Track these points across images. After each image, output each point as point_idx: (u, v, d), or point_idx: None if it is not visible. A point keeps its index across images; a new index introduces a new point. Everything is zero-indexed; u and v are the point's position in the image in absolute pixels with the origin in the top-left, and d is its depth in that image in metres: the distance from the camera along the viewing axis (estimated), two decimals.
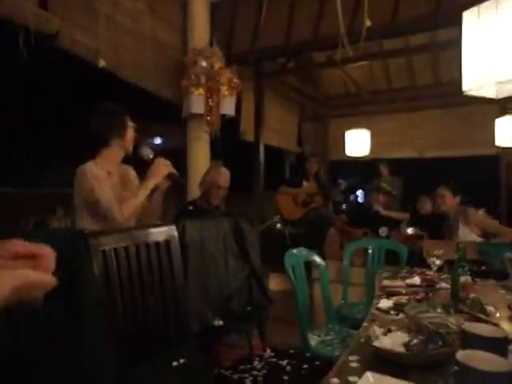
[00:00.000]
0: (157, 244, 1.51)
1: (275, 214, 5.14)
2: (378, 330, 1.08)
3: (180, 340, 1.52)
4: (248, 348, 1.85)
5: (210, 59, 3.60)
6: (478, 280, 1.90)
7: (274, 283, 4.20)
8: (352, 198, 9.06)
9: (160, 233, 1.55)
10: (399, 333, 1.05)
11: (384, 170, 5.77)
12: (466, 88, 1.63)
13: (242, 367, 1.72)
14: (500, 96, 1.70)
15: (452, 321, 1.18)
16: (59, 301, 1.14)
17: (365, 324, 1.28)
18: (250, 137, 5.24)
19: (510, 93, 1.65)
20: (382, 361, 0.99)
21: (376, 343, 1.01)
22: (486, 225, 2.86)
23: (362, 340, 1.11)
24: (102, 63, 2.85)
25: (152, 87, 3.59)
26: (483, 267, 2.05)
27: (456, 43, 4.67)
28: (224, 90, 3.59)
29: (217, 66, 3.64)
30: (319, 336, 2.18)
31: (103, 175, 1.79)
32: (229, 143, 4.38)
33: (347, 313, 2.67)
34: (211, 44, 3.76)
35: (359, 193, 6.77)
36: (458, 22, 4.06)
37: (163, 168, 1.81)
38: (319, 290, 2.77)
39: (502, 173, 5.54)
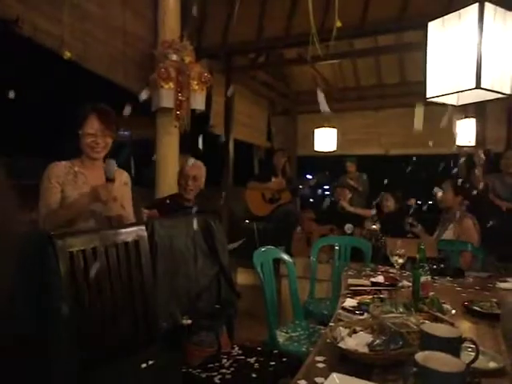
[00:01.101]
0: (126, 244, 1.49)
1: (244, 209, 5.17)
2: (343, 330, 1.12)
3: (149, 341, 1.52)
4: (216, 346, 1.86)
5: (181, 53, 3.55)
6: (436, 278, 2.00)
7: (242, 278, 4.24)
8: (320, 193, 9.23)
9: (129, 233, 1.53)
10: (363, 333, 1.10)
11: (351, 166, 5.90)
12: (429, 95, 1.70)
13: (210, 365, 1.74)
14: (460, 103, 1.78)
15: (412, 320, 1.25)
16: (26, 305, 1.13)
17: (331, 324, 1.32)
18: (219, 131, 5.22)
19: (469, 101, 1.73)
20: (347, 361, 1.03)
21: (341, 344, 1.06)
22: (468, 237, 2.89)
23: (328, 340, 1.15)
24: (67, 55, 2.76)
25: (120, 79, 3.51)
26: (442, 265, 2.14)
27: (420, 45, 4.84)
28: (194, 84, 3.56)
29: (187, 59, 3.59)
30: (286, 332, 2.23)
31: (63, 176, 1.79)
32: (198, 137, 4.35)
33: (314, 308, 2.74)
34: (182, 38, 3.70)
35: (327, 188, 6.87)
36: (422, 26, 4.21)
37: (100, 195, 1.69)
38: (286, 286, 2.83)
39: (461, 171, 5.80)
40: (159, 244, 1.85)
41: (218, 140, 5.17)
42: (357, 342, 1.06)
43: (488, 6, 1.52)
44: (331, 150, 5.94)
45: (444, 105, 1.95)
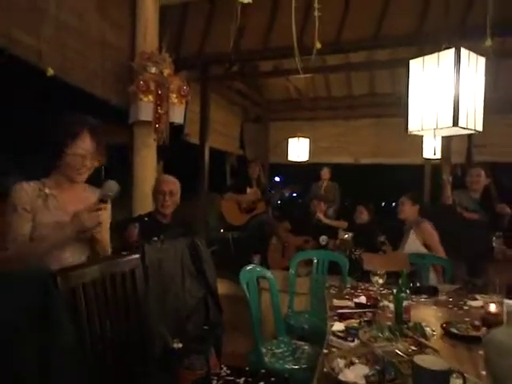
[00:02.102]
0: (123, 274, 1.51)
1: (218, 218, 5.21)
2: (340, 362, 1.20)
3: (144, 367, 1.55)
4: (206, 368, 1.90)
5: (160, 65, 3.54)
6: (413, 296, 2.13)
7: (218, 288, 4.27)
8: (290, 198, 9.38)
9: (126, 262, 1.55)
10: (360, 365, 1.18)
11: (324, 174, 6.07)
12: (411, 129, 1.82)
13: None
14: (437, 135, 1.91)
15: (400, 347, 1.35)
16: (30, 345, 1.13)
17: (325, 351, 1.40)
18: (194, 139, 5.24)
19: (446, 134, 1.87)
20: None
21: (341, 376, 1.13)
22: (430, 239, 3.11)
23: (325, 370, 1.23)
24: (50, 72, 2.70)
25: (98, 91, 3.45)
26: (417, 284, 2.28)
27: (390, 63, 5.04)
28: (173, 97, 3.56)
29: (166, 72, 3.59)
30: (271, 349, 2.30)
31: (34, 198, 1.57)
32: (173, 146, 4.34)
33: (294, 323, 2.83)
34: (160, 49, 3.69)
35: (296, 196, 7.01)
36: (394, 45, 4.38)
37: (85, 221, 1.53)
38: (267, 300, 2.90)
39: (426, 181, 6.10)
40: (150, 268, 1.87)
41: (192, 148, 5.19)
42: (354, 374, 1.14)
43: (463, 52, 1.65)
44: (304, 159, 6.08)
45: None
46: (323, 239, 4.08)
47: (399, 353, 1.29)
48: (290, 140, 5.95)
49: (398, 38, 3.96)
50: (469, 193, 3.60)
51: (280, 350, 2.30)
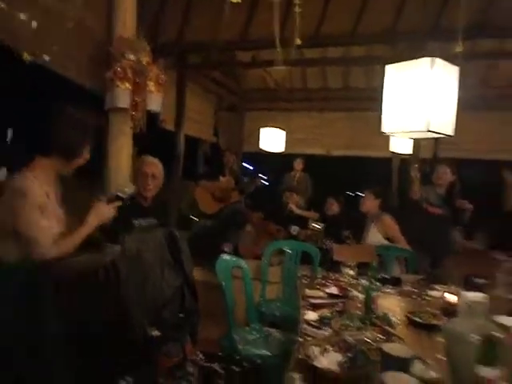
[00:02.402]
0: (105, 266, 1.54)
1: (191, 206, 5.23)
2: (315, 349, 1.30)
3: (126, 355, 1.59)
4: (182, 354, 1.97)
5: (138, 53, 3.49)
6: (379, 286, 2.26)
7: None
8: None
9: (108, 254, 1.58)
10: (333, 352, 1.28)
11: (298, 165, 6.18)
12: (386, 130, 1.92)
13: (178, 374, 1.85)
14: (409, 137, 2.03)
15: (369, 335, 1.46)
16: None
17: (300, 339, 1.50)
18: (169, 126, 5.22)
19: (418, 137, 1.98)
20: (320, 377, 1.21)
21: (316, 363, 1.23)
22: (391, 230, 3.29)
23: (300, 356, 1.32)
24: (26, 57, 2.63)
25: (73, 75, 3.38)
26: (382, 275, 2.41)
27: (365, 60, 5.16)
28: (151, 85, 3.53)
29: (144, 60, 3.54)
30: (243, 336, 2.39)
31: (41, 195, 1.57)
32: (148, 133, 4.32)
33: (266, 310, 2.93)
34: (138, 36, 3.63)
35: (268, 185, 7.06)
36: (370, 43, 4.49)
37: (105, 213, 1.69)
38: (238, 288, 2.99)
39: (394, 174, 6.34)
40: (129, 258, 1.90)
41: (166, 135, 5.18)
42: (328, 360, 1.24)
43: (438, 61, 1.75)
44: (279, 150, 6.16)
45: None
46: (294, 229, 4.19)
47: (368, 341, 1.40)
48: (262, 130, 5.98)
49: (374, 35, 4.07)
50: (435, 188, 3.79)
51: (252, 337, 2.39)
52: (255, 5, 4.17)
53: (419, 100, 1.76)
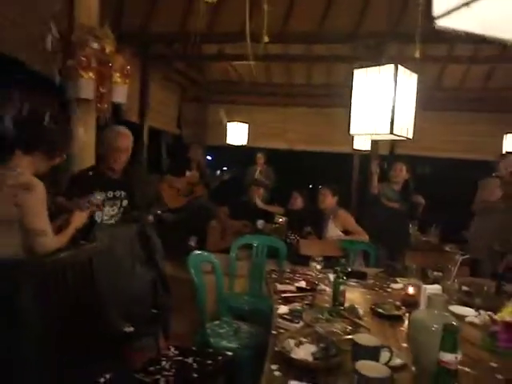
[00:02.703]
0: (81, 263, 1.54)
1: (156, 199, 5.17)
2: (291, 342, 1.37)
3: (101, 352, 1.60)
4: (156, 349, 1.99)
5: (102, 41, 3.39)
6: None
7: None
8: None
9: (84, 252, 1.57)
10: (307, 344, 1.36)
11: (260, 159, 6.25)
12: (352, 131, 2.01)
13: (151, 369, 1.87)
14: (374, 139, 2.14)
15: (339, 327, 1.55)
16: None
17: (274, 332, 1.57)
18: (132, 117, 5.12)
19: (381, 138, 2.10)
20: (296, 367, 1.28)
21: (293, 355, 1.30)
22: (348, 223, 3.45)
23: (276, 349, 1.39)
24: None
25: (34, 62, 3.24)
26: (349, 269, 2.53)
27: (328, 58, 5.29)
28: (116, 76, 3.45)
29: (108, 49, 3.45)
30: (214, 330, 2.44)
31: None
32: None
33: (234, 303, 2.98)
34: (102, 24, 3.53)
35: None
36: (334, 42, 4.60)
37: (81, 220, 1.81)
38: (207, 282, 3.03)
39: (355, 170, 6.57)
40: (101, 253, 1.89)
41: (131, 127, 5.06)
42: (304, 352, 1.32)
43: (400, 68, 1.86)
44: (242, 143, 6.21)
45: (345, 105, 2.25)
46: (260, 223, 4.26)
47: (338, 332, 1.49)
48: (229, 124, 6.01)
49: (337, 35, 4.20)
50: (391, 185, 4.00)
51: (223, 330, 2.45)
52: None
53: (383, 104, 1.87)
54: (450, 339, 1.08)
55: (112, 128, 2.74)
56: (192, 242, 4.73)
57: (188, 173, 4.95)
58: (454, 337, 1.08)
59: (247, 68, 6.56)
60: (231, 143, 6.16)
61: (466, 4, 0.48)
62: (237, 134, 6.16)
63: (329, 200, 3.53)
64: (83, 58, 3.27)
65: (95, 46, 3.36)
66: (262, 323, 2.64)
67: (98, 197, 2.04)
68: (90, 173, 2.48)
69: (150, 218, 2.46)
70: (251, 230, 4.23)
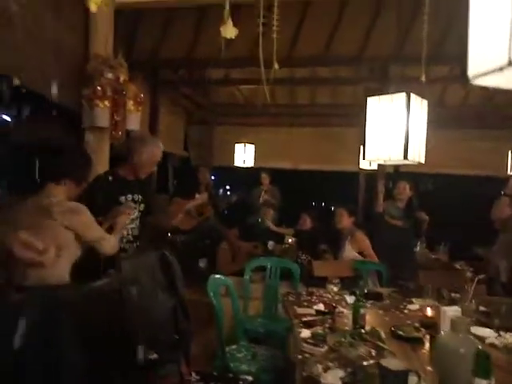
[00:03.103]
0: (113, 292, 1.58)
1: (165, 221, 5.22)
2: (319, 367, 1.40)
3: (128, 380, 1.63)
4: (179, 375, 2.01)
5: (116, 71, 3.51)
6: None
7: None
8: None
9: (115, 280, 1.62)
10: (335, 369, 1.40)
11: (265, 179, 6.31)
12: (367, 158, 2.08)
13: None
14: (387, 163, 2.21)
15: (363, 351, 1.59)
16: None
17: (299, 356, 1.60)
18: None
19: (395, 163, 2.16)
20: None
21: (322, 379, 1.34)
22: (364, 247, 3.46)
23: (304, 374, 1.42)
24: (16, 82, 2.59)
25: (52, 94, 3.34)
26: (365, 290, 2.56)
27: (332, 80, 5.42)
28: (130, 104, 3.55)
29: (122, 78, 3.56)
30: (232, 354, 2.46)
31: None
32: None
33: (249, 326, 3.00)
34: (116, 53, 3.65)
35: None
36: (340, 65, 4.72)
37: (125, 220, 2.08)
38: (223, 305, 3.05)
39: (361, 189, 6.62)
40: (127, 284, 1.94)
41: None
42: (331, 376, 1.35)
43: (412, 96, 1.94)
44: (249, 165, 6.29)
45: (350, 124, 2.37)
46: (271, 245, 4.30)
47: (364, 356, 1.52)
48: (237, 145, 6.11)
49: (343, 58, 4.32)
50: (395, 202, 4.06)
51: (241, 355, 2.46)
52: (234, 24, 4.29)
53: (397, 131, 1.94)
54: (484, 365, 1.11)
55: (152, 140, 2.92)
56: (202, 264, 4.76)
57: (197, 195, 5.00)
58: (487, 362, 1.11)
59: (253, 91, 6.73)
60: (239, 165, 6.24)
61: (500, 69, 0.54)
62: (244, 155, 6.24)
63: (345, 220, 3.54)
64: (99, 88, 3.39)
65: (110, 75, 3.48)
66: (277, 345, 2.66)
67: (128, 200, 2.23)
68: (110, 178, 2.58)
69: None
70: (262, 251, 4.26)
